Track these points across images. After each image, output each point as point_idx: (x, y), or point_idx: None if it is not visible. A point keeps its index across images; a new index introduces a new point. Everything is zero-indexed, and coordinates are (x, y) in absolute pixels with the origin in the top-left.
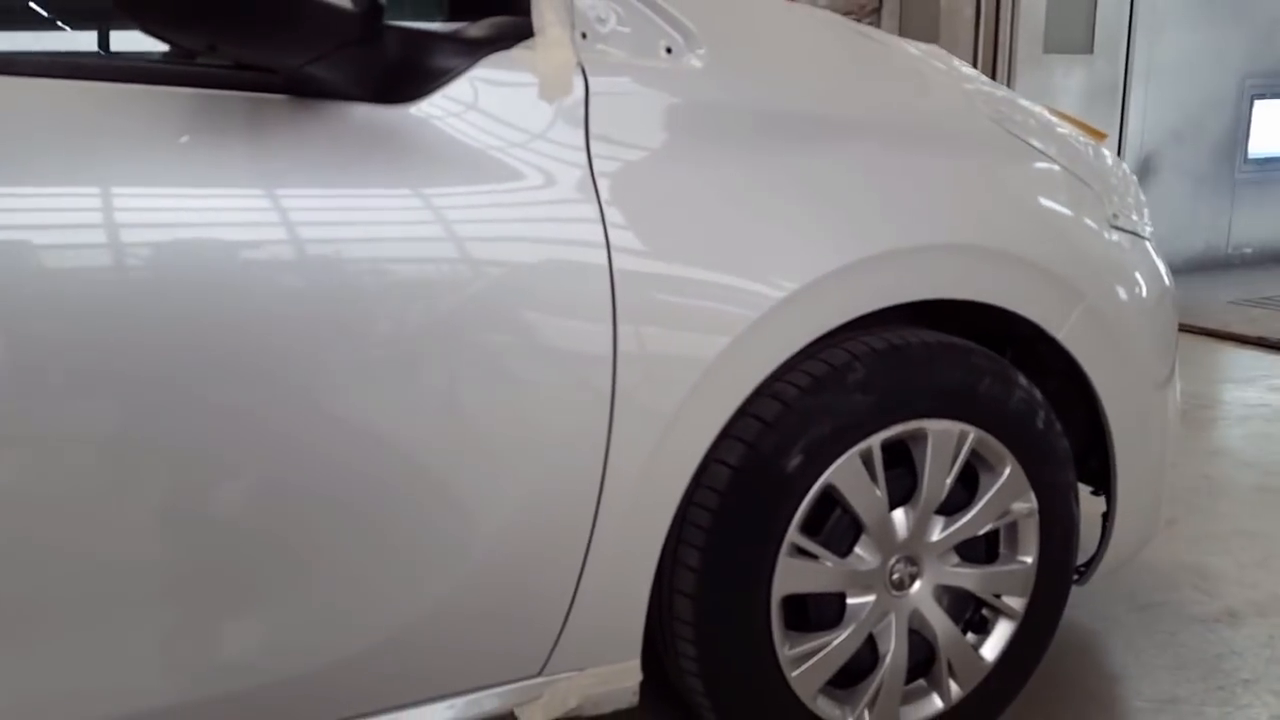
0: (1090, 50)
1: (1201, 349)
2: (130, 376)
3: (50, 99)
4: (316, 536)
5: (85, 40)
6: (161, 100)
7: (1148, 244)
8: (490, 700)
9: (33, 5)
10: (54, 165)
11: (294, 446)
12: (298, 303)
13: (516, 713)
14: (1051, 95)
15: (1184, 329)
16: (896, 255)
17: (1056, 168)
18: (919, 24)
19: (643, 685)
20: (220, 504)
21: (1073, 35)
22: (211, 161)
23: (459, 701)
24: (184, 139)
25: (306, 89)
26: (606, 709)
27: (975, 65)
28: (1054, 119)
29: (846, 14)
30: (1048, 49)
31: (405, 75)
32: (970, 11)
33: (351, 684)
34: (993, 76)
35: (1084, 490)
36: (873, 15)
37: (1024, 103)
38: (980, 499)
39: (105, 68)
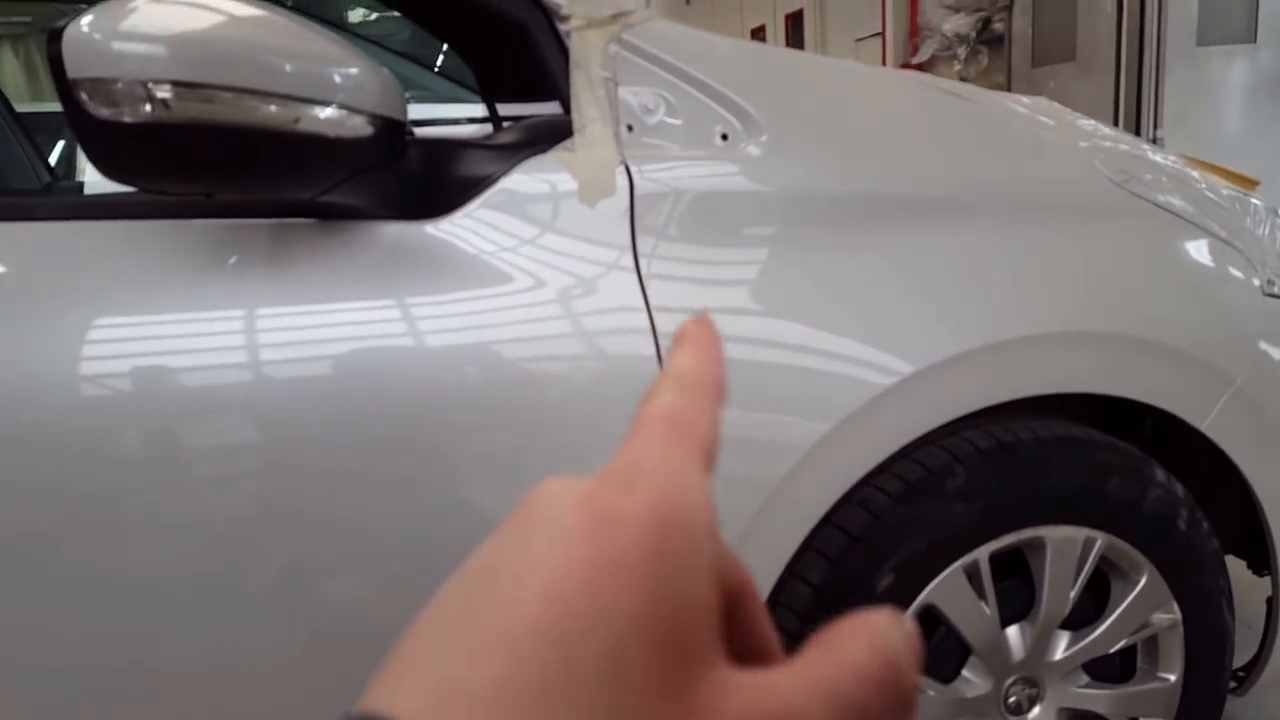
0: (1254, 39)
1: None
2: (162, 497)
3: (82, 239)
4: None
5: None
6: (183, 231)
7: None
8: None
9: None
10: (88, 301)
11: (347, 560)
12: (330, 421)
13: None
14: (1208, 93)
15: None
16: (1001, 349)
17: (1195, 232)
18: (1054, 19)
19: None
20: (242, 622)
21: (1232, 23)
22: (231, 290)
23: None
24: (207, 267)
25: (329, 212)
26: None
27: (1118, 64)
28: (1192, 172)
29: (975, 11)
30: (1202, 40)
31: (435, 189)
32: (1112, 3)
33: None
34: (1139, 75)
35: (1243, 567)
36: (1004, 11)
37: (1155, 157)
38: (1112, 612)
39: (130, 204)
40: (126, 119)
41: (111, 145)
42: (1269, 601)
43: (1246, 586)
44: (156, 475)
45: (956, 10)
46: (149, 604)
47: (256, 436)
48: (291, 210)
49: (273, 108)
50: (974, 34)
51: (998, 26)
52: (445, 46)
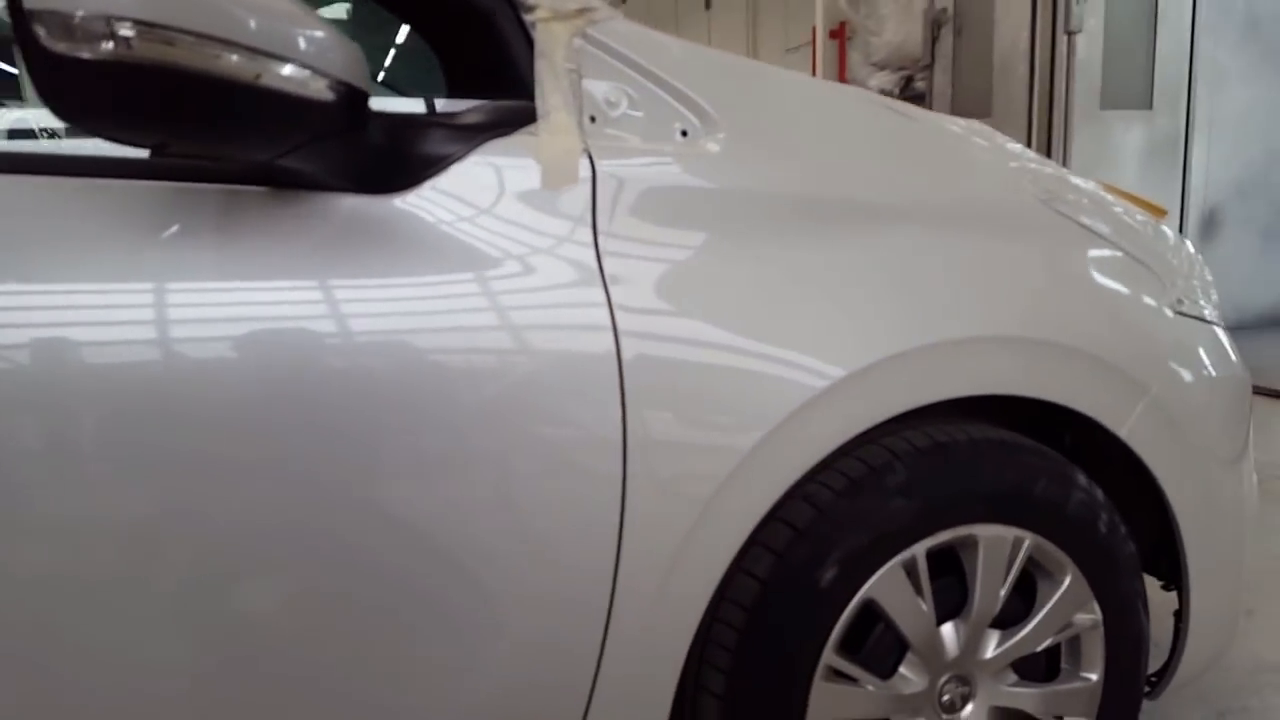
0: (1149, 105)
1: (1272, 411)
2: (81, 476)
3: (16, 195)
4: (334, 635)
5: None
6: (133, 195)
7: (1216, 328)
8: None
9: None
10: (16, 262)
11: (295, 547)
12: (274, 397)
13: None
14: (1110, 151)
15: (1254, 390)
16: (933, 350)
17: (1113, 251)
18: (972, 79)
19: None
20: (234, 607)
21: (1131, 90)
22: (176, 258)
23: None
24: (159, 233)
25: (285, 181)
26: None
27: (1029, 123)
28: (1109, 197)
29: (899, 70)
30: (1105, 104)
31: (395, 164)
32: (1024, 67)
33: None
34: (1048, 133)
35: (1155, 586)
36: (925, 70)
37: (1076, 181)
38: (1039, 611)
39: (72, 161)
40: (85, 55)
41: (67, 82)
42: (1176, 614)
43: (1155, 605)
44: (67, 463)
45: (881, 68)
46: (48, 606)
47: (190, 420)
48: (243, 176)
49: (236, 58)
50: (897, 90)
51: (919, 84)
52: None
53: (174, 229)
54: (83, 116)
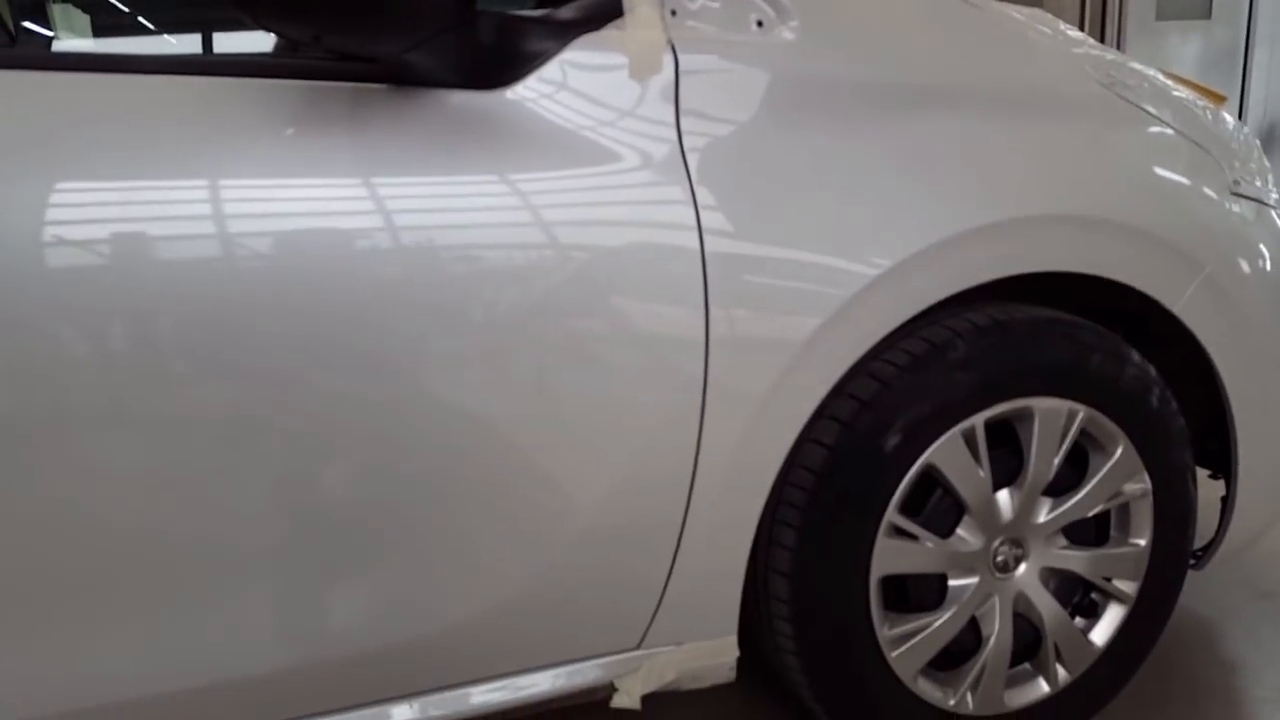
0: (1208, 15)
1: None
2: (243, 363)
3: (161, 95)
4: (420, 512)
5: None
6: (268, 93)
7: (1273, 211)
8: (592, 671)
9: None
10: (165, 159)
11: (398, 427)
12: (399, 289)
13: (616, 684)
14: (1165, 64)
15: None
16: (998, 228)
17: (1171, 133)
18: None
19: (741, 663)
20: (330, 482)
21: (1188, 0)
22: (317, 152)
23: (562, 670)
24: (290, 131)
25: (405, 77)
26: (705, 684)
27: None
28: (1169, 82)
29: None
30: (1161, 15)
31: (498, 60)
32: None
33: (455, 652)
34: (1101, 43)
35: (1202, 475)
36: None
37: (1136, 66)
38: (1090, 480)
39: (213, 63)
40: None
41: None
42: (1222, 499)
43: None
44: (225, 349)
45: None
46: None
47: (330, 310)
48: (367, 75)
49: None
50: None
51: None
52: None
53: (313, 126)
54: (253, 8)
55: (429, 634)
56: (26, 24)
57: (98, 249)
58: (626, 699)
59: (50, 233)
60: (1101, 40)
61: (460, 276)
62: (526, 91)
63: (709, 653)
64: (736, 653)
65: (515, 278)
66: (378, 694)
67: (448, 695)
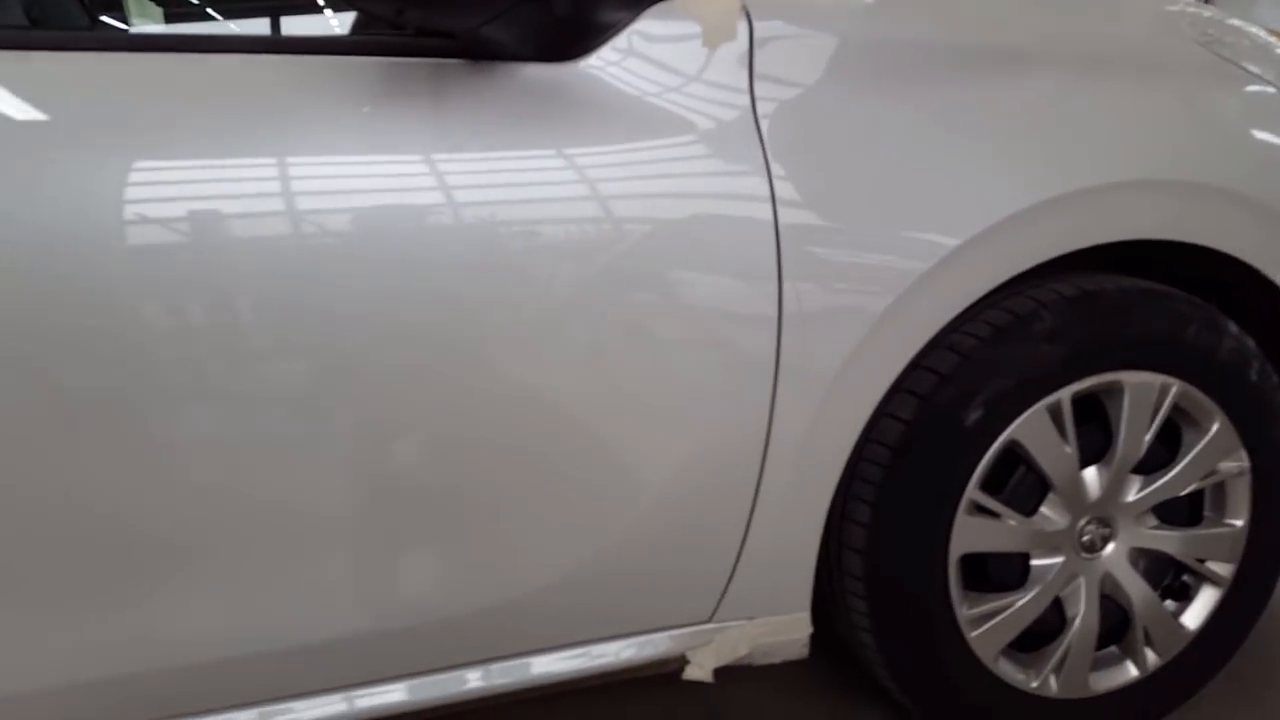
0: None
1: None
2: (322, 337)
3: (240, 74)
4: (490, 483)
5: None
6: (346, 70)
7: None
8: (664, 642)
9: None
10: (245, 138)
11: (473, 400)
12: (477, 264)
13: (689, 656)
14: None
15: None
16: (1085, 195)
17: (1273, 92)
18: None
19: (814, 640)
20: (402, 453)
21: None
22: (395, 128)
23: (634, 641)
24: (367, 108)
25: (480, 51)
26: (777, 659)
27: None
28: (1271, 40)
29: None
30: None
31: (572, 32)
32: None
33: (526, 620)
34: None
35: None
36: None
37: (1236, 22)
38: (1183, 457)
39: (291, 41)
40: None
41: None
42: None
43: None
44: (313, 322)
45: None
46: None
47: (415, 283)
48: (445, 50)
49: None
50: None
51: None
52: None
53: (390, 102)
54: None
55: (501, 602)
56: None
57: (179, 227)
58: (698, 671)
59: (133, 211)
60: None
61: (536, 250)
62: (600, 63)
63: (782, 628)
64: (810, 629)
65: (591, 251)
66: (450, 660)
67: (518, 662)
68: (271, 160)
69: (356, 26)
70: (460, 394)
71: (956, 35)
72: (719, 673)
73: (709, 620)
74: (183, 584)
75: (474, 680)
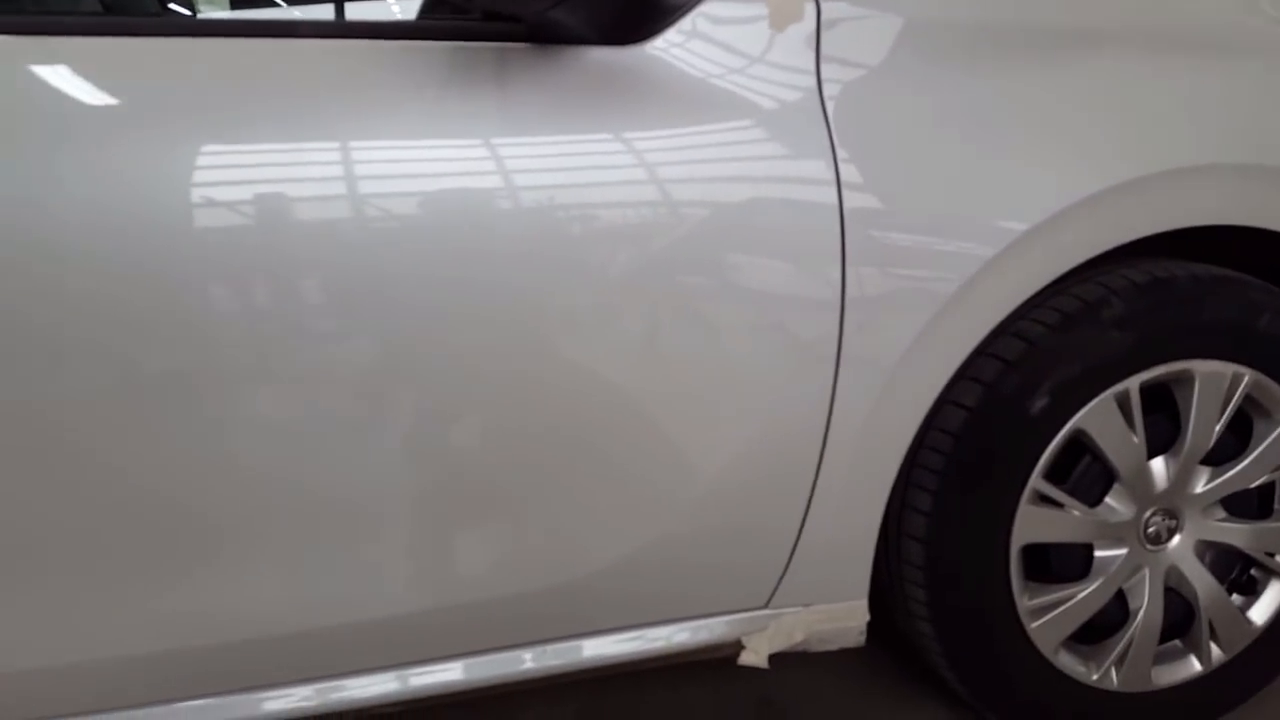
0: None
1: None
2: (385, 320)
3: (309, 59)
4: (553, 464)
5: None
6: (414, 55)
7: None
8: (719, 627)
9: None
10: (314, 122)
11: (530, 384)
12: (541, 248)
13: (744, 641)
14: None
15: None
16: (1155, 180)
17: None
18: None
19: (871, 629)
20: (461, 436)
21: None
22: (462, 112)
23: (689, 625)
24: (434, 92)
25: (547, 35)
26: (833, 646)
27: None
28: None
29: None
30: None
31: (637, 15)
32: None
33: (583, 603)
34: None
35: None
36: None
37: None
38: (1254, 449)
39: (360, 27)
40: None
41: None
42: None
43: None
44: (374, 302)
45: None
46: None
47: (468, 268)
48: (510, 34)
49: None
50: None
51: None
52: None
53: (458, 86)
54: None
55: (557, 584)
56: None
57: (248, 210)
58: (754, 657)
59: (203, 194)
60: None
61: (595, 235)
62: (665, 45)
63: (838, 615)
64: (867, 617)
65: (650, 236)
66: (508, 640)
67: (572, 644)
68: (337, 145)
69: (424, 10)
70: (520, 379)
71: (1027, 14)
72: (774, 659)
73: (765, 606)
74: (245, 560)
75: (529, 661)
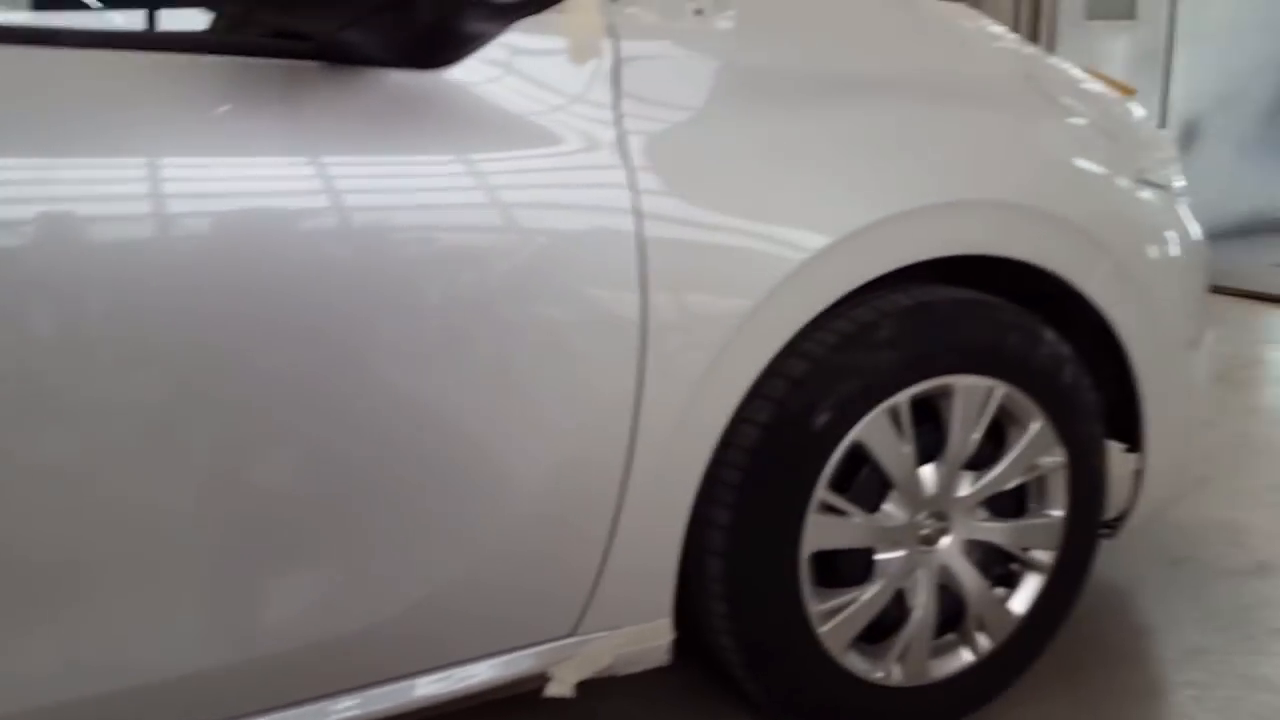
0: (1133, 16)
1: (1244, 311)
2: (173, 345)
3: (90, 70)
4: (358, 501)
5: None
6: (200, 69)
7: (1178, 200)
8: (526, 660)
9: None
10: (94, 135)
11: (330, 414)
12: (329, 268)
13: (550, 672)
14: (1094, 62)
15: (1227, 291)
16: (924, 212)
17: (1085, 123)
18: None
19: (676, 644)
20: (263, 470)
21: (1115, 1)
22: (248, 130)
23: (496, 661)
24: (222, 108)
25: (341, 55)
26: (639, 668)
27: (1017, 30)
28: (1082, 75)
29: None
30: (1090, 15)
31: (438, 40)
32: None
33: (390, 645)
34: (1035, 42)
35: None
36: None
37: (1052, 60)
38: (1008, 454)
39: (143, 38)
40: None
41: None
42: (1135, 474)
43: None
44: (153, 330)
45: None
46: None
47: (257, 287)
48: (301, 52)
49: None
50: None
51: None
52: None
53: (245, 102)
54: None
55: (370, 626)
56: None
57: (21, 229)
58: (559, 687)
59: None
60: (1035, 37)
61: (399, 258)
62: (465, 73)
63: (644, 636)
64: (671, 635)
65: (447, 258)
66: (321, 689)
67: (389, 689)
68: (120, 160)
69: (215, 25)
70: (312, 412)
71: (811, 60)
72: (589, 687)
73: (572, 634)
74: (10, 622)
75: (345, 708)
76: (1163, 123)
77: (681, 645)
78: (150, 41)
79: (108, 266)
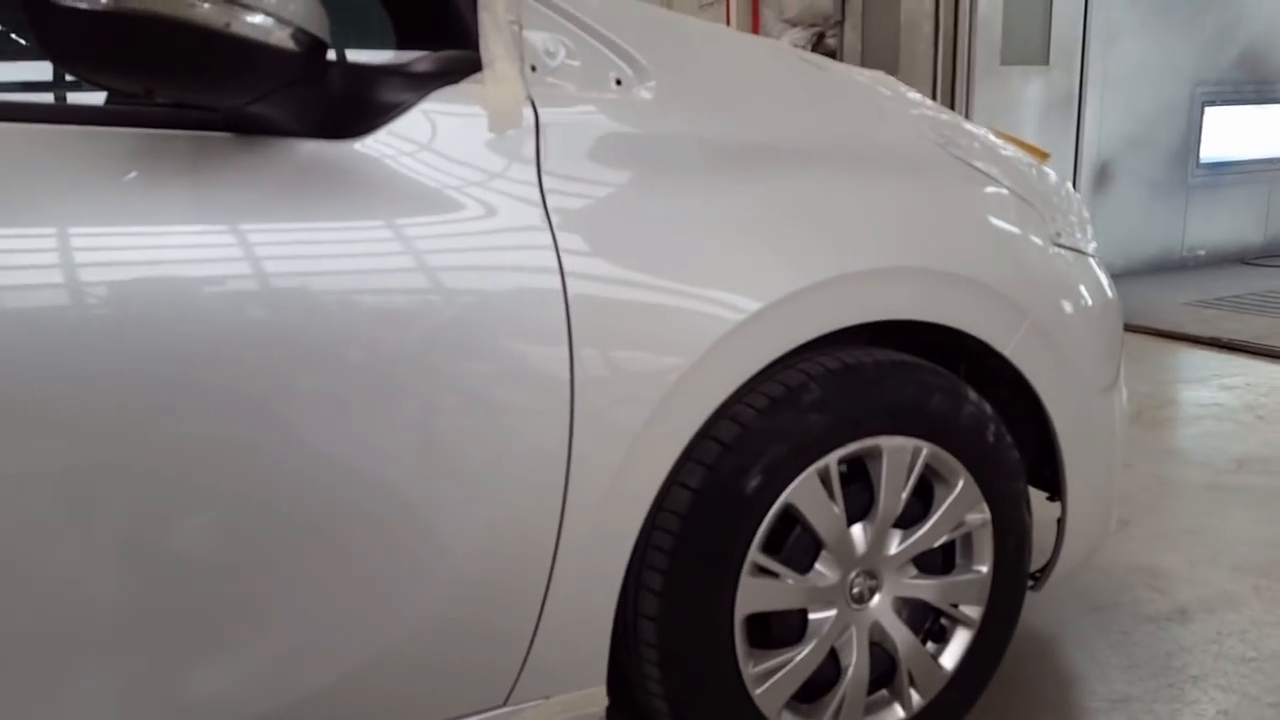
0: (1046, 61)
1: (1156, 349)
2: (83, 414)
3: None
4: (281, 570)
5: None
6: (103, 141)
7: (1091, 260)
8: None
9: None
10: None
11: (252, 479)
12: (246, 330)
13: None
14: (1009, 105)
15: (1139, 330)
16: (847, 280)
17: (1000, 190)
18: (880, 36)
19: (610, 711)
20: (181, 539)
21: (1029, 47)
22: (154, 200)
23: None
24: (129, 176)
25: (250, 126)
26: None
27: (934, 77)
28: (998, 141)
29: (810, 26)
30: (1005, 60)
31: (351, 110)
32: (930, 25)
33: (323, 716)
34: (951, 88)
35: (1040, 497)
36: (836, 27)
37: (968, 126)
38: (935, 511)
39: (47, 110)
40: (83, 6)
41: (63, 31)
42: (1058, 522)
43: (1039, 513)
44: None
45: (794, 25)
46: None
47: (162, 360)
48: (211, 123)
49: (208, 6)
50: (809, 46)
51: (830, 41)
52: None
53: (151, 173)
54: (77, 63)
55: (292, 703)
56: None
57: None
58: None
59: None
60: (952, 84)
61: (309, 318)
62: (379, 143)
63: (578, 704)
64: (605, 702)
65: (369, 321)
66: None
67: None
68: (22, 231)
69: (111, 98)
70: (232, 480)
71: (731, 130)
72: None
73: (504, 704)
74: None
75: None
76: (1076, 165)
77: (615, 709)
78: (54, 114)
79: (16, 336)
